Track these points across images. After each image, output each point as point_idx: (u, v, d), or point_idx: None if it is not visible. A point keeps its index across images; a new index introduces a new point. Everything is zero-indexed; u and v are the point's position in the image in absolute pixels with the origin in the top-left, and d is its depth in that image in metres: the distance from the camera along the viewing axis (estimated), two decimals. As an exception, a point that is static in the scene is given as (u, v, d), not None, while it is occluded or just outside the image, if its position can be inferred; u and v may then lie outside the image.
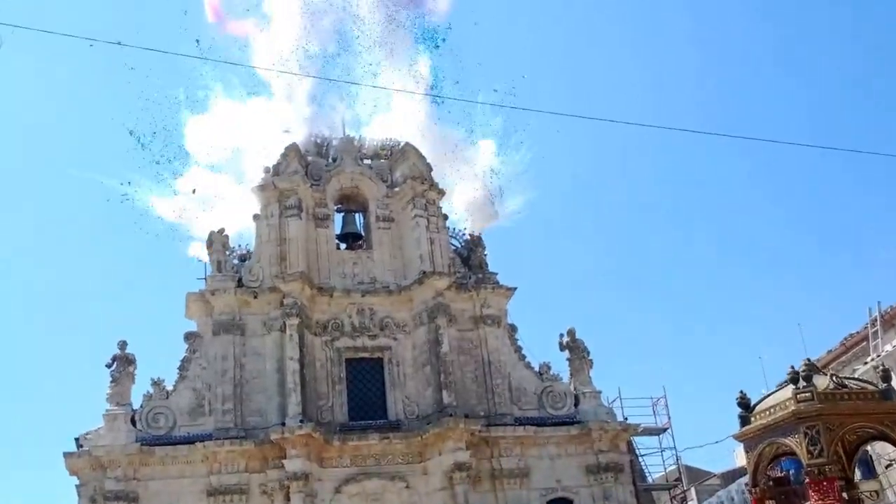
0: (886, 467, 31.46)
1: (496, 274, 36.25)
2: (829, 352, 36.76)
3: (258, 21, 36.83)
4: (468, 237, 37.36)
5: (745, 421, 19.60)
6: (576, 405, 34.73)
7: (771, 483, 21.13)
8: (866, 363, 32.43)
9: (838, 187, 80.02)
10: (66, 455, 30.41)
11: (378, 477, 31.92)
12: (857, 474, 22.32)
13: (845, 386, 18.57)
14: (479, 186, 37.06)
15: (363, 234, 37.40)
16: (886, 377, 19.16)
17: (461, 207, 37.76)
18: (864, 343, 34.48)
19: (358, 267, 35.66)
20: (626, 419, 35.30)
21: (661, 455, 39.43)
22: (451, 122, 37.88)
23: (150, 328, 66.02)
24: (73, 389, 72.98)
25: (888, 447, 25.68)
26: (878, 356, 31.99)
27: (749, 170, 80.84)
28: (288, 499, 30.50)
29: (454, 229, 37.45)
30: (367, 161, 37.60)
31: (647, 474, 39.93)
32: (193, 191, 34.93)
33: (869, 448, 25.21)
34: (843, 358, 36.01)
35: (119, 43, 21.12)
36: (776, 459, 20.80)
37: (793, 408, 18.00)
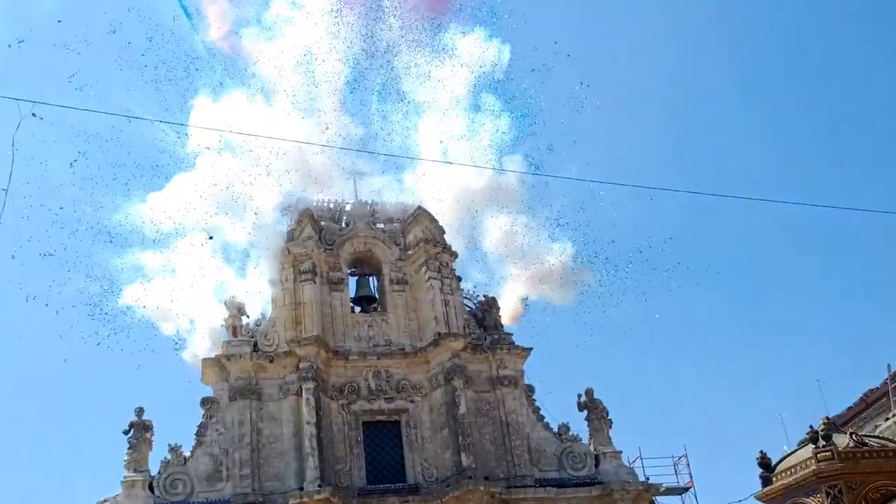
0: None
1: (511, 335, 36.35)
2: (850, 408, 36.45)
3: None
4: (482, 298, 37.53)
5: (766, 481, 19.48)
6: (596, 465, 34.46)
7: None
8: (888, 419, 32.12)
9: (858, 241, 79.79)
10: (85, 523, 30.33)
11: (398, 541, 31.68)
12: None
13: (865, 444, 18.48)
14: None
15: (377, 297, 37.59)
16: (907, 434, 19.06)
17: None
18: (885, 399, 34.19)
19: (373, 330, 35.80)
20: (648, 479, 34.89)
21: (684, 515, 38.85)
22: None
23: (167, 394, 65.87)
24: (90, 457, 72.72)
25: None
26: (899, 412, 31.70)
27: (767, 226, 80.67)
28: (307, 563, 30.26)
29: (468, 291, 37.66)
30: (380, 225, 37.93)
31: (672, 535, 39.32)
32: (210, 237, 35.15)
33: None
34: (864, 414, 35.68)
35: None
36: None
37: (813, 467, 17.92)
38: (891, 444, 18.78)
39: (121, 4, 40.16)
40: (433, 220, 37.00)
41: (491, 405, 34.76)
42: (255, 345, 33.96)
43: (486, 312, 36.95)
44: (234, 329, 34.11)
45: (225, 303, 34.61)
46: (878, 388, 35.32)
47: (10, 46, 34.09)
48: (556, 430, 35.31)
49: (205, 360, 33.62)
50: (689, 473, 38.13)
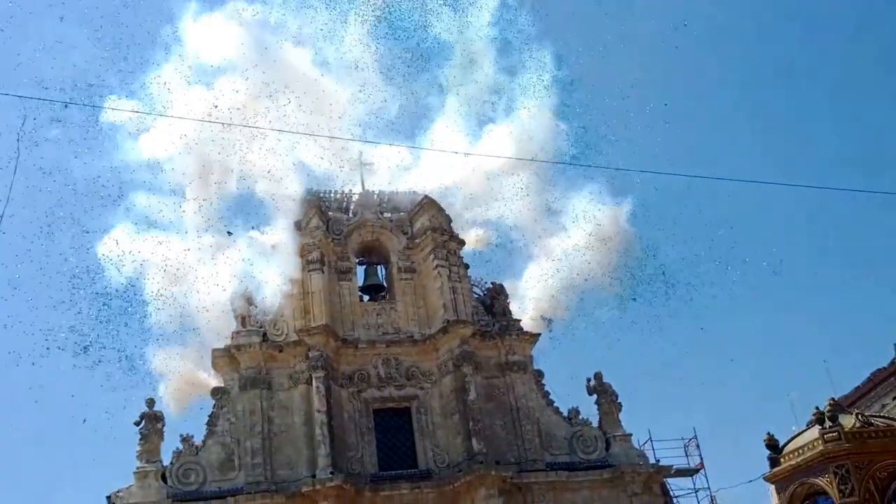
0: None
1: (520, 321, 36.47)
2: (857, 388, 36.54)
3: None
4: (490, 285, 37.65)
5: (774, 462, 19.60)
6: (607, 449, 34.63)
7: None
8: (895, 398, 32.23)
9: (866, 222, 79.52)
10: (99, 514, 30.57)
11: (410, 527, 31.90)
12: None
13: (872, 424, 18.60)
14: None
15: (385, 285, 37.72)
16: (914, 413, 19.17)
17: None
18: (892, 378, 34.28)
19: (382, 318, 35.93)
20: (659, 461, 35.04)
21: (696, 496, 38.84)
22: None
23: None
24: (102, 447, 73.06)
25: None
26: (906, 391, 31.82)
27: (777, 211, 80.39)
28: (319, 549, 30.52)
29: (476, 278, 37.75)
30: (388, 214, 38.03)
31: (682, 516, 39.43)
32: (229, 233, 35.35)
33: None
34: (872, 394, 35.78)
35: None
36: (810, 498, 20.70)
37: (820, 448, 18.05)
38: (897, 424, 18.89)
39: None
40: (440, 209, 37.07)
41: (500, 391, 34.92)
42: (265, 335, 34.12)
43: (494, 299, 37.06)
44: (244, 319, 34.23)
45: (233, 293, 34.65)
46: (885, 367, 35.42)
47: None
48: (566, 414, 35.47)
49: (214, 349, 33.81)
50: (700, 455, 38.24)
